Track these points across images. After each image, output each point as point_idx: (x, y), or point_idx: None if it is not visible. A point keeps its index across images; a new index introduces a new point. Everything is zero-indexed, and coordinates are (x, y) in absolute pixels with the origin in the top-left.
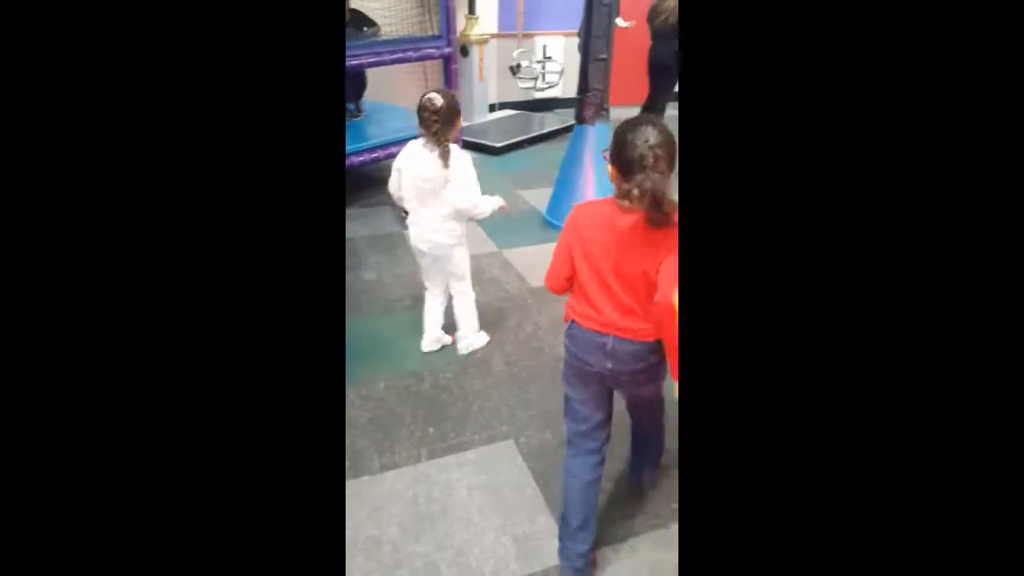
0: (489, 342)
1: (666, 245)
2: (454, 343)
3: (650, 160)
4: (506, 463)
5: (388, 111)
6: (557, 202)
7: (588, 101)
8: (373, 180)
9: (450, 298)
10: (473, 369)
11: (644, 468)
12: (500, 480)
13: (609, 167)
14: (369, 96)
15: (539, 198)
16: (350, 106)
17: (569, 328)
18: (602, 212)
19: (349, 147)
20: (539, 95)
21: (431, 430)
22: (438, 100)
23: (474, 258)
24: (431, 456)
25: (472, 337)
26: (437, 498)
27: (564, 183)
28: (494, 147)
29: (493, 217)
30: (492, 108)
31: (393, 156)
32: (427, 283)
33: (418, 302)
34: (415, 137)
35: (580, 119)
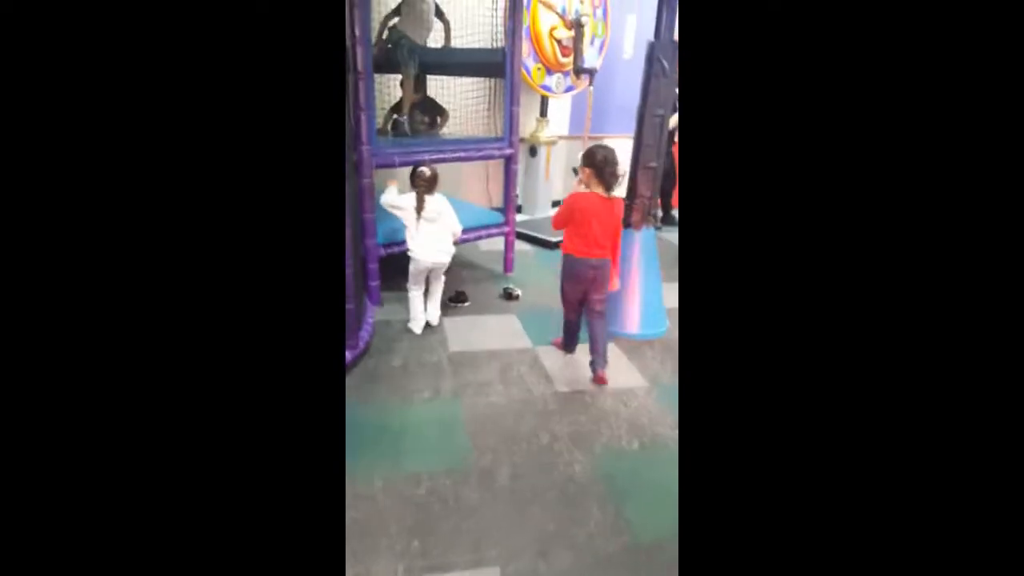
0: (498, 451)
1: (618, 213)
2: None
3: (613, 166)
4: None
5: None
6: None
7: (636, 207)
8: None
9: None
10: (475, 479)
11: (598, 360)
12: None
13: (583, 171)
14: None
15: None
16: None
17: (568, 258)
18: (588, 198)
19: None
20: None
21: (415, 543)
22: (427, 172)
23: (504, 353)
24: (408, 575)
25: (436, 314)
26: None
27: None
28: (550, 242)
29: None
30: (556, 204)
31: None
32: (412, 285)
33: (439, 395)
34: (472, 226)
35: (627, 224)
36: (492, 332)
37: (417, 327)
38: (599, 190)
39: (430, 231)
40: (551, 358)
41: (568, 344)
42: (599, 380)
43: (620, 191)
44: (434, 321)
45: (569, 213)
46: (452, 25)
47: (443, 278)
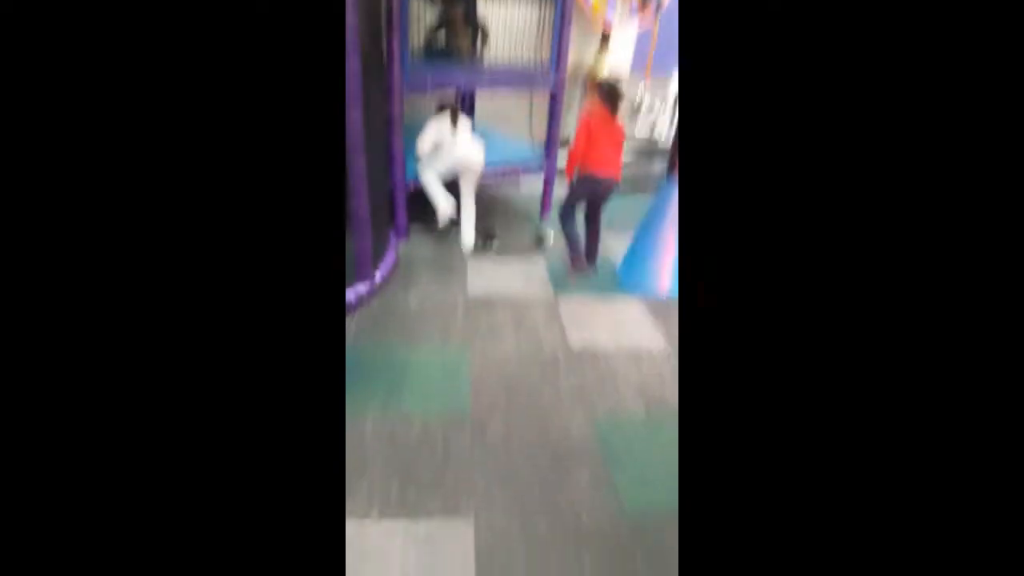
0: (497, 402)
1: (621, 133)
2: None
3: (616, 93)
4: (455, 549)
5: (489, 137)
6: (632, 257)
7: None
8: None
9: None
10: (468, 428)
11: (591, 251)
12: (437, 571)
13: (591, 99)
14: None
15: (622, 247)
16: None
17: (583, 176)
18: (598, 118)
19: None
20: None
21: (394, 486)
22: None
23: (522, 300)
24: (381, 515)
25: (471, 236)
26: (364, 572)
27: (643, 238)
28: None
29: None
30: None
31: (485, 182)
32: (431, 179)
33: (448, 337)
34: (510, 162)
35: (671, 169)
36: (515, 277)
37: (448, 209)
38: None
39: (463, 138)
40: (570, 309)
41: (577, 256)
42: (577, 265)
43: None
44: (468, 244)
45: (587, 134)
46: None
47: (473, 195)
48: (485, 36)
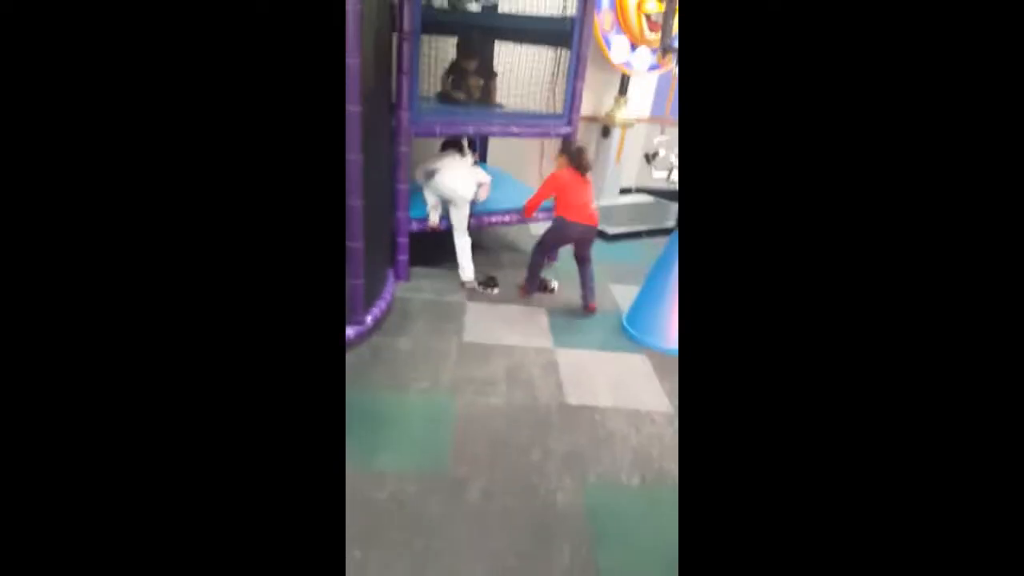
0: (479, 461)
1: (590, 189)
2: None
3: (584, 157)
4: None
5: (500, 180)
6: (639, 307)
7: None
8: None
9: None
10: (445, 489)
11: (588, 294)
12: None
13: (561, 159)
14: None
15: (628, 297)
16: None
17: (562, 220)
18: (569, 174)
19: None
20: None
21: (356, 554)
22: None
23: (519, 350)
24: None
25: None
26: None
27: (650, 288)
28: (605, 233)
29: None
30: (624, 192)
31: (495, 224)
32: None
33: (436, 387)
34: (520, 206)
35: None
36: (514, 325)
37: (468, 276)
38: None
39: (460, 171)
40: (569, 363)
41: (531, 286)
42: (591, 309)
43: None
44: (467, 276)
45: (557, 186)
46: None
47: (466, 211)
48: (493, 76)
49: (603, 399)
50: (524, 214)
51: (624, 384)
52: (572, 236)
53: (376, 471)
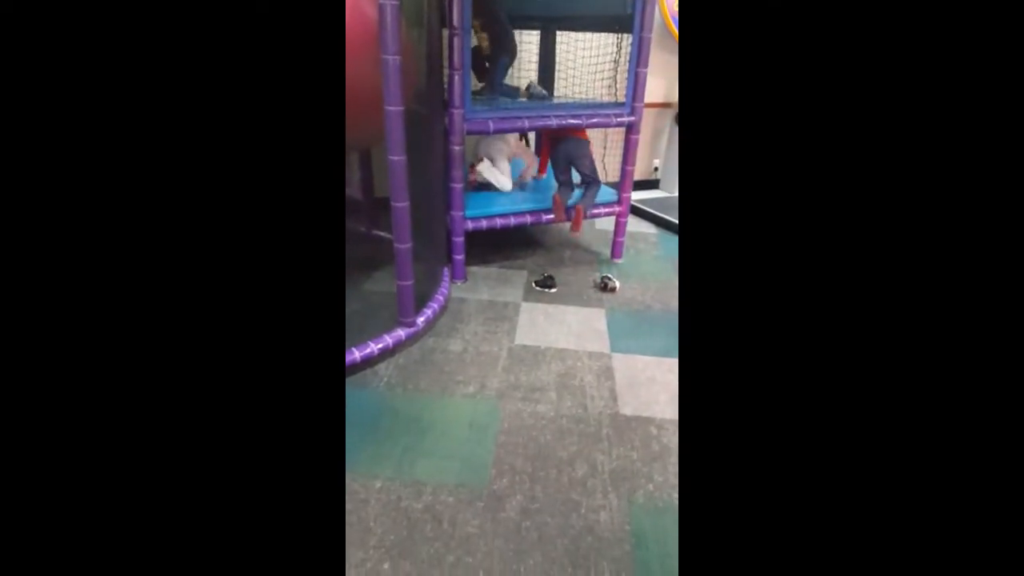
0: (520, 474)
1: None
2: None
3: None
4: None
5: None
6: None
7: None
8: (523, 242)
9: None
10: (482, 502)
11: (588, 197)
12: None
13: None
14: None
15: None
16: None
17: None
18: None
19: (508, 207)
20: None
21: (385, 567)
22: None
23: (573, 354)
24: None
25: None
26: None
27: None
28: (676, 224)
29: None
30: None
31: (552, 221)
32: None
33: (483, 392)
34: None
35: None
36: (570, 327)
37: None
38: None
39: (501, 163)
40: (627, 367)
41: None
42: (575, 227)
43: None
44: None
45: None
46: None
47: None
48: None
49: (660, 410)
50: (540, 173)
51: None
52: (568, 149)
53: (415, 480)
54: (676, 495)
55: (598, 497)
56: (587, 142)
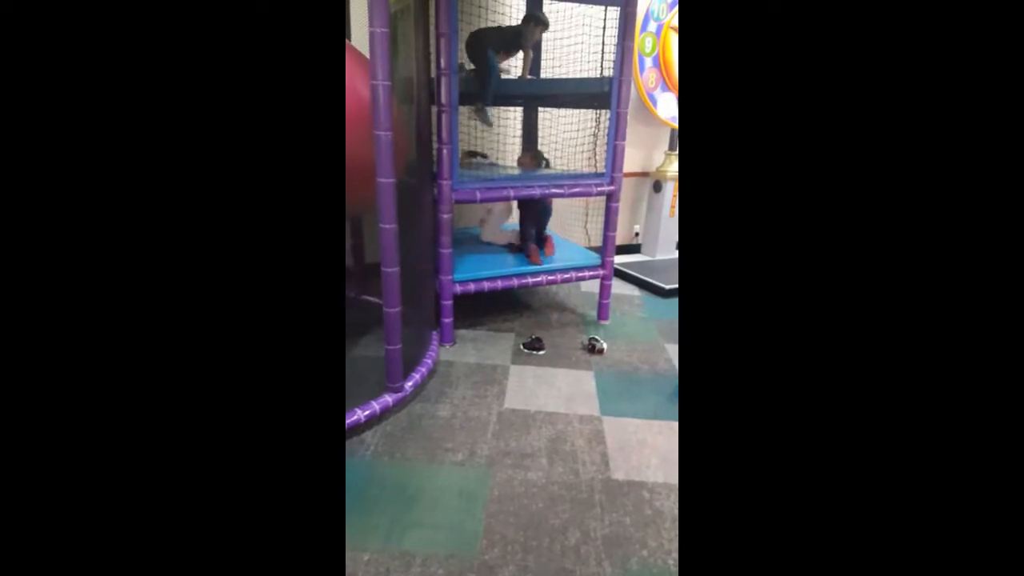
0: (512, 544)
1: None
2: None
3: None
4: None
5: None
6: None
7: None
8: (511, 304)
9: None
10: (472, 574)
11: (538, 238)
12: None
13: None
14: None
15: None
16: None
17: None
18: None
19: (496, 271)
20: None
21: None
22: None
23: (563, 418)
24: None
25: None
26: None
27: None
28: (661, 288)
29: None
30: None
31: (542, 283)
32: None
33: (472, 458)
34: (567, 269)
35: None
36: (559, 390)
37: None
38: None
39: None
40: (618, 431)
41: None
42: (532, 256)
43: None
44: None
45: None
46: (556, 52)
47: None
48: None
49: (652, 474)
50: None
51: (677, 456)
52: (532, 206)
53: (404, 551)
54: (671, 560)
55: (592, 565)
56: (551, 202)
